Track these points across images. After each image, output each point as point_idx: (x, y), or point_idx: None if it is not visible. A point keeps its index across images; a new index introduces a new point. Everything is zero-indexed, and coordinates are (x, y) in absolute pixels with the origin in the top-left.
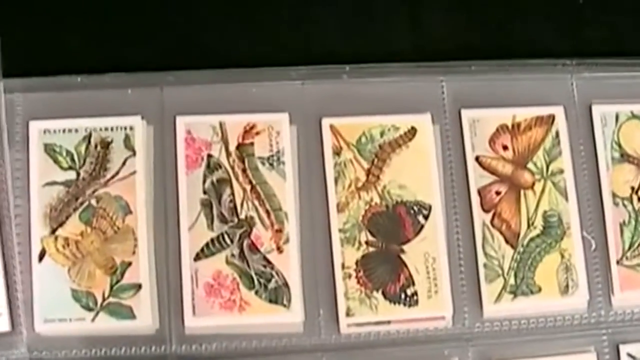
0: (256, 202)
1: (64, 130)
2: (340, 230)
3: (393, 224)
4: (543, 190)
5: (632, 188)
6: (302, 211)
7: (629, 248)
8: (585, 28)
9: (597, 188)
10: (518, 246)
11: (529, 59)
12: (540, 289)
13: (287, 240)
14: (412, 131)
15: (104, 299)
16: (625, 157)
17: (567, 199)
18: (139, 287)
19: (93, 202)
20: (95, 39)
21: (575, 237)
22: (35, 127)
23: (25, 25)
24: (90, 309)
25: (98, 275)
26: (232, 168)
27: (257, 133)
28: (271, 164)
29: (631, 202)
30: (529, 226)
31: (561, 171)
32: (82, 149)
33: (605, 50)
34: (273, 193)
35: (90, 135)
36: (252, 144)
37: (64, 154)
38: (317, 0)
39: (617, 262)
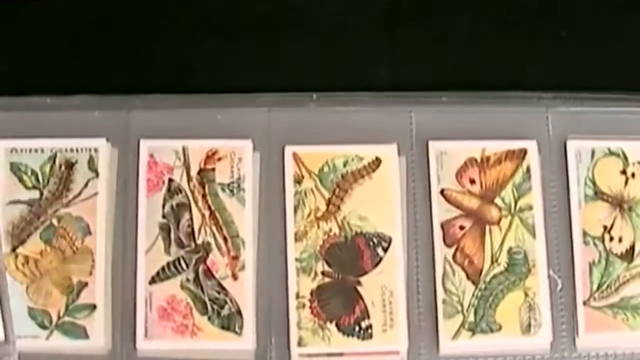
0: (214, 228)
1: (30, 150)
2: (296, 260)
3: (351, 255)
4: (510, 227)
5: (605, 227)
6: (260, 239)
7: (597, 289)
8: (566, 61)
9: (568, 226)
10: (480, 282)
11: (505, 91)
12: (500, 327)
13: (242, 268)
14: (376, 162)
15: (59, 318)
16: (599, 194)
17: (534, 236)
18: (93, 307)
19: (54, 221)
20: (64, 61)
21: (541, 275)
22: (2, 145)
23: None
24: (45, 327)
25: (55, 294)
26: (192, 193)
27: (219, 159)
28: (231, 191)
29: (602, 242)
30: (492, 262)
31: (530, 207)
32: (47, 169)
33: (585, 85)
34: (231, 220)
35: (55, 156)
36: (213, 169)
37: (29, 173)
38: (289, 27)
39: (584, 303)
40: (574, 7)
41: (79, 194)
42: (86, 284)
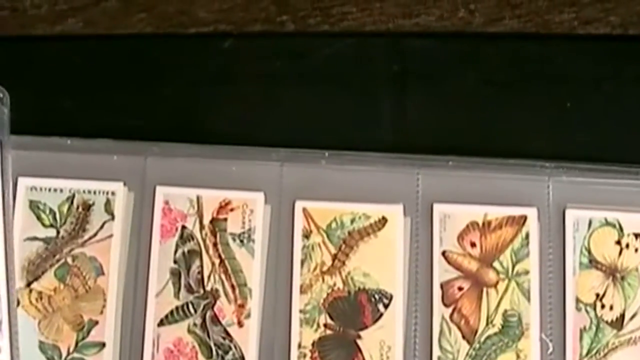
0: (223, 276)
1: (49, 189)
2: (300, 311)
3: (353, 310)
4: (506, 290)
5: (597, 295)
6: (266, 289)
7: (587, 354)
8: (570, 132)
9: (562, 292)
10: (474, 342)
11: (508, 158)
12: None
13: (248, 316)
14: (383, 221)
15: (68, 354)
16: (593, 263)
17: (529, 300)
18: (102, 345)
19: (69, 260)
20: (86, 105)
21: (533, 338)
22: (23, 183)
23: (21, 85)
24: None
25: (65, 331)
26: (204, 241)
27: (232, 209)
28: (242, 241)
29: (594, 309)
30: (487, 324)
31: (526, 272)
32: (65, 208)
33: (586, 156)
34: (240, 269)
35: (73, 196)
36: (225, 219)
37: (47, 211)
38: (304, 85)
39: None
40: (579, 79)
41: (95, 234)
42: (97, 322)
